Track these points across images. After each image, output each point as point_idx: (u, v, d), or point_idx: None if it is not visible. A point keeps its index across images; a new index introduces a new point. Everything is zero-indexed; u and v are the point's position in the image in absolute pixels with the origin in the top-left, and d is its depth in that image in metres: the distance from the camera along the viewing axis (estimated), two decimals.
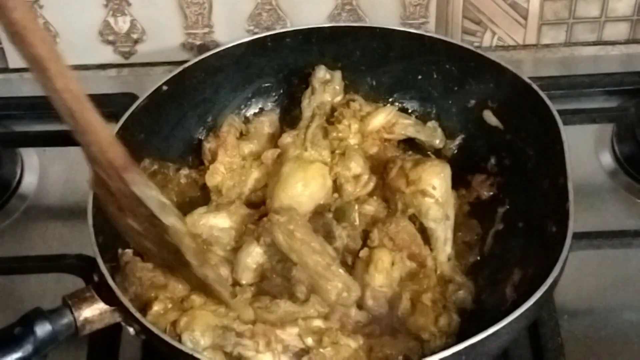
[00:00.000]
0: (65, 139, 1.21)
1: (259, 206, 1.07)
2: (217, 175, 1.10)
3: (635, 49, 1.36)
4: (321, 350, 0.90)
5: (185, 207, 1.07)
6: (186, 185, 1.11)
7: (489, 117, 1.10)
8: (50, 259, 1.10)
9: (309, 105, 1.14)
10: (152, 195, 0.86)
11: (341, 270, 0.96)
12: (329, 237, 1.01)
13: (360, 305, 0.97)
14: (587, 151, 1.22)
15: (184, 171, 1.12)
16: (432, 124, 1.14)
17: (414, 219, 1.03)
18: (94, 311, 0.90)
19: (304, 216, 1.02)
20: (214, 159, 1.11)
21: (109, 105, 1.23)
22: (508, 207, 1.05)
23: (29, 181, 1.24)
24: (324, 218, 1.04)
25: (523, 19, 1.33)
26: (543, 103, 1.02)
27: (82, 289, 0.93)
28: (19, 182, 1.24)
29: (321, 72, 1.15)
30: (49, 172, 1.25)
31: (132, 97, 1.21)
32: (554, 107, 1.02)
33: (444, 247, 1.03)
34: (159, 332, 0.87)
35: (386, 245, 1.00)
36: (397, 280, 0.99)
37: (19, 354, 0.87)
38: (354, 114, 1.12)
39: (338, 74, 1.15)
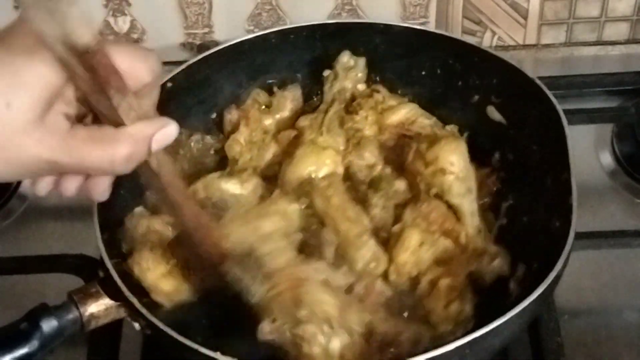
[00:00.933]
0: None
1: (274, 179, 1.07)
2: (237, 146, 1.09)
3: (635, 49, 1.36)
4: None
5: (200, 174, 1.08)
6: (198, 151, 1.12)
7: (493, 112, 1.10)
8: (50, 259, 1.10)
9: (330, 89, 1.13)
10: None
11: (372, 241, 0.96)
12: (364, 207, 1.01)
13: (386, 278, 0.97)
14: (587, 151, 1.22)
15: (196, 137, 1.12)
16: (451, 127, 1.13)
17: (439, 198, 1.02)
18: (99, 307, 0.90)
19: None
20: (234, 130, 1.11)
21: None
22: (512, 202, 1.05)
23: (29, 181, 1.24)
24: (358, 192, 1.04)
25: (523, 19, 1.33)
26: (546, 98, 1.02)
27: (87, 284, 0.93)
28: (19, 182, 1.23)
29: (345, 58, 1.13)
30: None
31: None
32: (557, 102, 1.02)
33: (472, 219, 1.01)
34: (164, 328, 0.87)
35: (420, 225, 0.99)
36: (426, 261, 0.98)
37: (25, 350, 0.87)
38: (374, 104, 1.11)
39: (362, 61, 1.14)
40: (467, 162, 1.03)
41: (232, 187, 1.04)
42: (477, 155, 1.10)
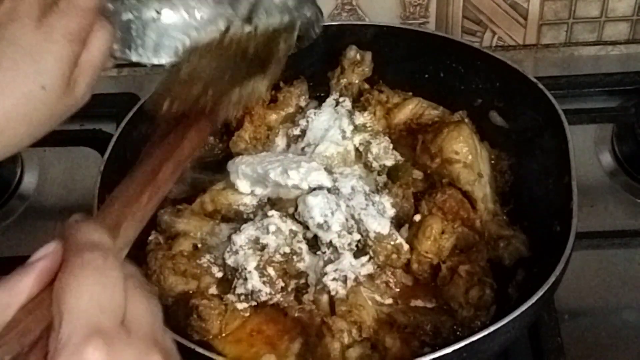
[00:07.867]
0: (65, 139, 1.23)
1: None
2: (241, 143, 1.09)
3: (635, 49, 1.36)
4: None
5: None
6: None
7: (495, 117, 1.10)
8: None
9: (337, 85, 1.12)
10: None
11: (393, 232, 0.97)
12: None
13: (407, 268, 0.98)
14: (587, 151, 1.22)
15: None
16: (459, 113, 1.11)
17: (453, 186, 1.03)
18: None
19: None
20: (238, 127, 1.10)
21: (109, 105, 1.23)
22: (513, 206, 1.04)
23: (29, 181, 1.24)
24: (376, 183, 1.04)
25: (523, 19, 1.33)
26: (549, 102, 1.02)
27: None
28: (19, 182, 1.24)
29: (352, 52, 1.12)
30: (49, 172, 1.25)
31: (132, 97, 1.21)
32: (559, 107, 1.01)
33: (485, 204, 1.02)
34: None
35: (436, 214, 1.00)
36: (447, 249, 0.98)
37: None
38: (381, 102, 1.11)
39: (368, 55, 1.13)
40: (473, 147, 1.03)
41: (239, 197, 1.02)
42: (490, 134, 1.09)
